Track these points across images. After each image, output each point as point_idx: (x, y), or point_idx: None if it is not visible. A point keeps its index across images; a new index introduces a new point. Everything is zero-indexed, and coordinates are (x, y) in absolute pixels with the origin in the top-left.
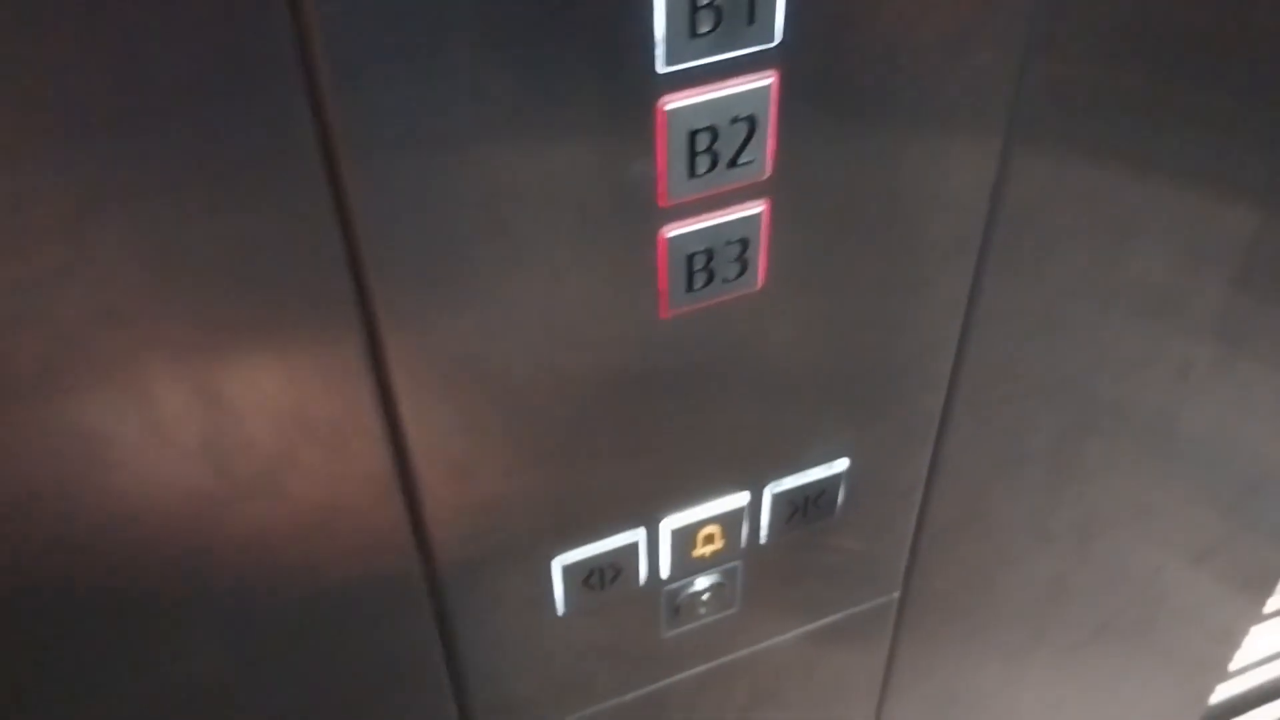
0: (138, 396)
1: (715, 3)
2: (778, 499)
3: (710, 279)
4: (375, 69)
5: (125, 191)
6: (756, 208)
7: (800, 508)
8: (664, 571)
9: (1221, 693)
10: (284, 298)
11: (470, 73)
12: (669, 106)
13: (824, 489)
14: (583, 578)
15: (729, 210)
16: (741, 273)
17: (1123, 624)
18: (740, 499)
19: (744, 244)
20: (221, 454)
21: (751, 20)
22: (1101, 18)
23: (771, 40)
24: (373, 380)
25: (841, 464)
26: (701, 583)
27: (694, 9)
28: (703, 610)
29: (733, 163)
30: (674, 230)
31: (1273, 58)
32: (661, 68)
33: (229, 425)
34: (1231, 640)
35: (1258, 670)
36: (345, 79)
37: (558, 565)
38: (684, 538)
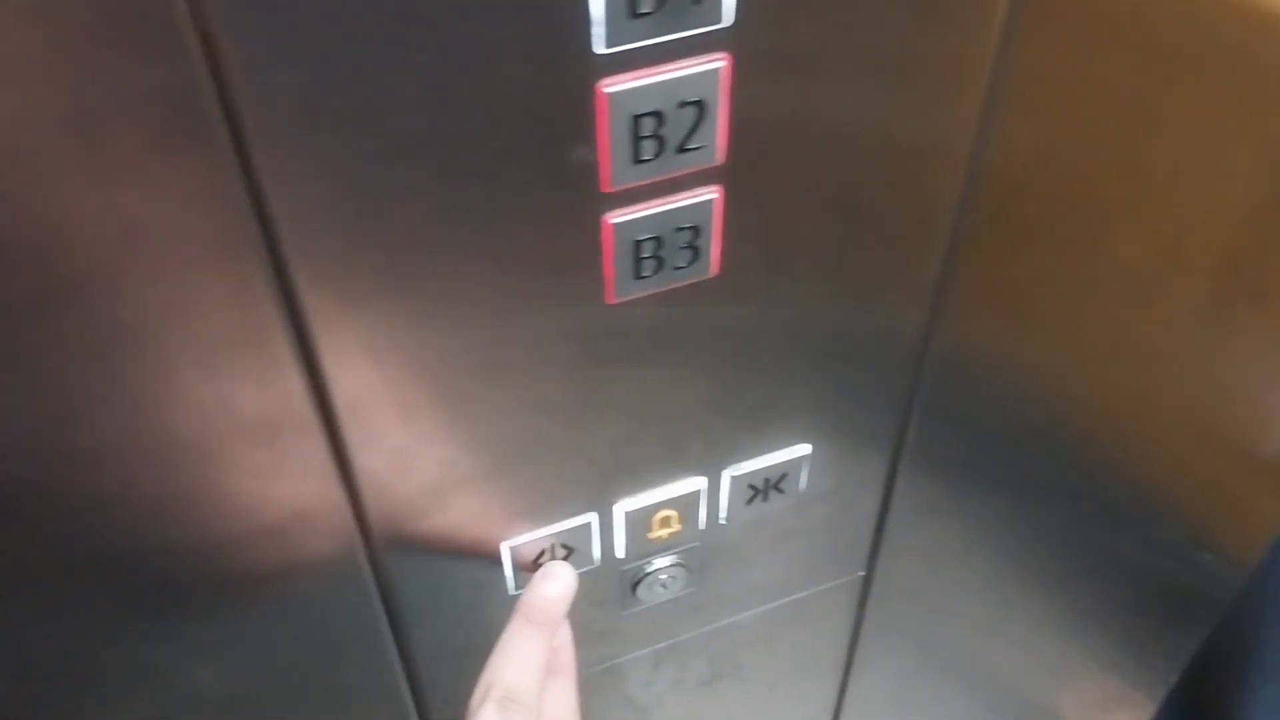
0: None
1: None
2: (736, 482)
3: (660, 266)
4: (282, 38)
5: None
6: (709, 194)
7: (761, 490)
8: (619, 552)
9: None
10: (204, 292)
11: (396, 51)
12: (609, 89)
13: (785, 472)
14: (532, 559)
15: (679, 197)
16: (694, 260)
17: (1089, 596)
18: (697, 483)
19: (695, 231)
20: (143, 454)
21: (697, 0)
22: None
23: (720, 21)
24: (302, 372)
25: (804, 448)
26: (659, 563)
27: None
28: (661, 589)
29: (681, 148)
30: (619, 217)
31: None
32: (600, 48)
33: (152, 422)
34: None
35: None
36: (250, 54)
37: (506, 548)
38: (638, 520)
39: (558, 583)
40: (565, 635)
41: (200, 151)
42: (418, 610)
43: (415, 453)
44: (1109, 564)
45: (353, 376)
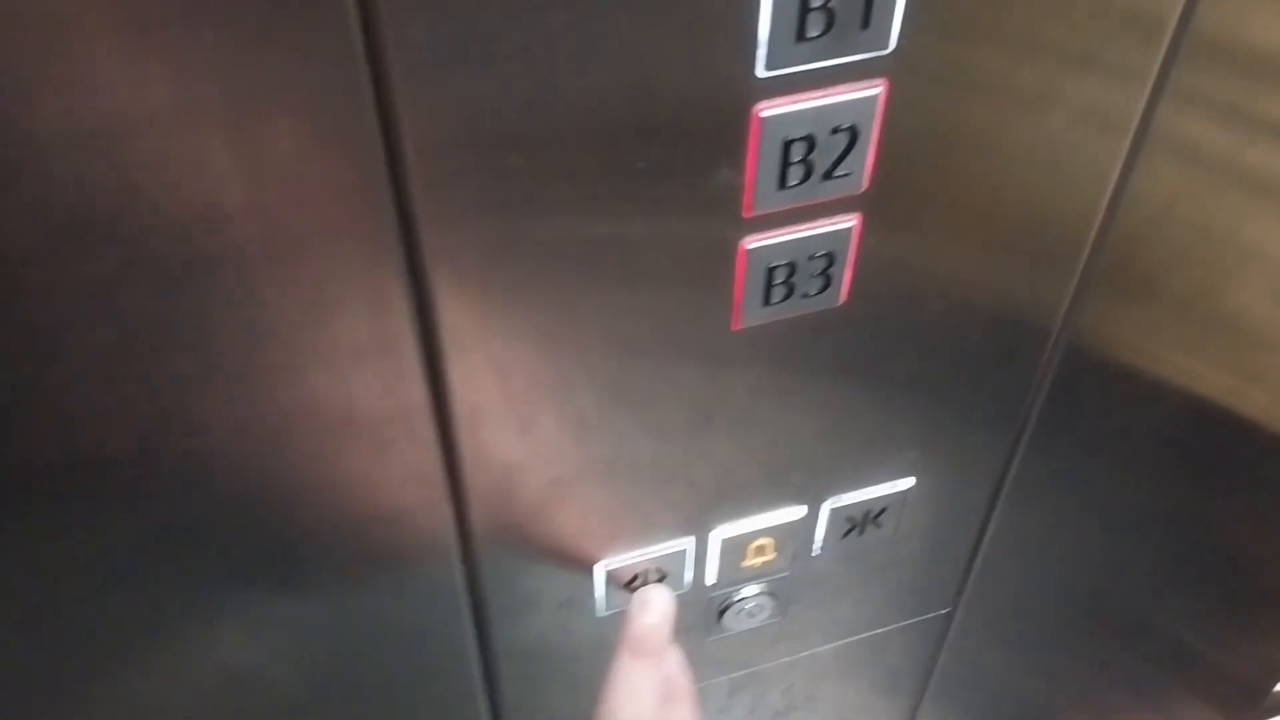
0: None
1: (829, 5)
2: (835, 514)
3: (789, 293)
4: (447, 47)
5: None
6: (848, 222)
7: (858, 524)
8: (709, 579)
9: None
10: (337, 290)
11: (559, 68)
12: (765, 113)
13: (885, 506)
14: (626, 581)
15: (817, 224)
16: (824, 288)
17: (1167, 648)
18: (796, 512)
19: (829, 259)
20: (257, 455)
21: (866, 25)
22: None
23: (885, 47)
24: (426, 382)
25: (906, 483)
26: (748, 591)
27: (804, 10)
28: (747, 618)
29: (828, 175)
30: (755, 242)
31: None
32: (761, 72)
33: (270, 421)
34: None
35: None
36: (413, 62)
37: (601, 569)
38: (734, 548)
39: (654, 609)
40: (678, 659)
41: (354, 155)
42: (506, 627)
43: (525, 469)
44: (1191, 617)
45: (475, 390)
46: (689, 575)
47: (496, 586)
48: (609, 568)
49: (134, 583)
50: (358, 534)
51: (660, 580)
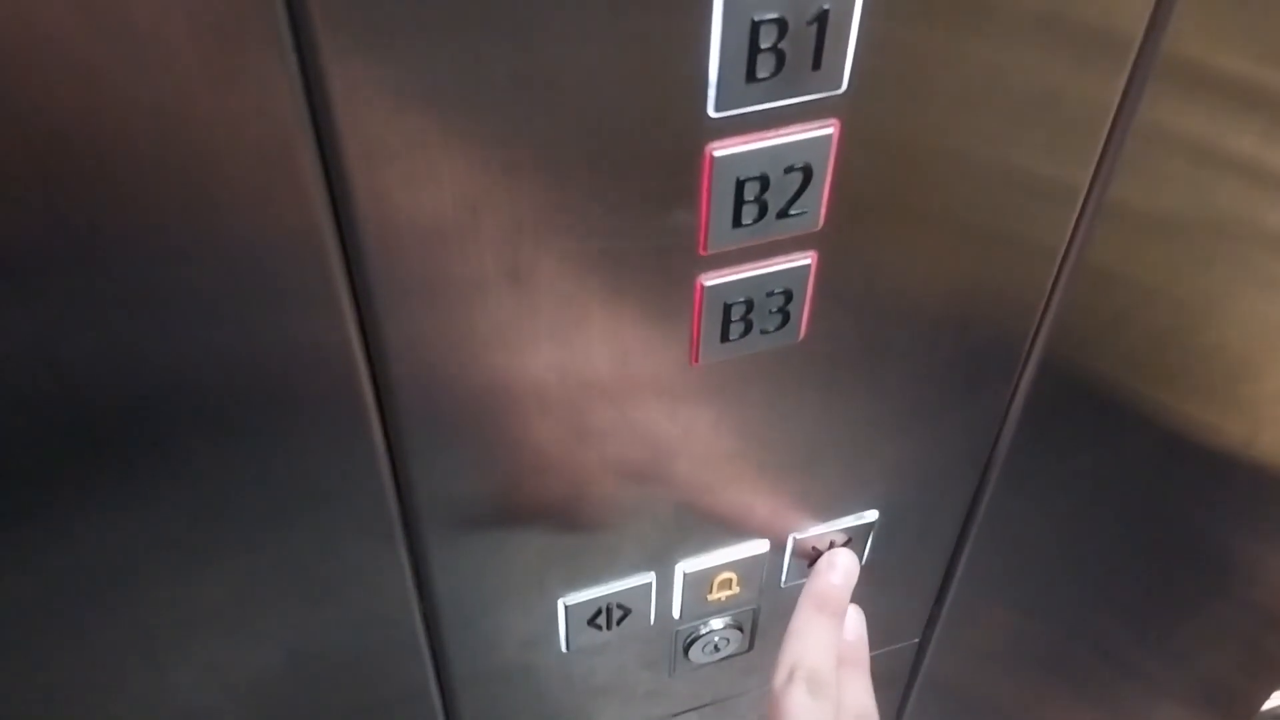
0: None
1: (779, 46)
2: (800, 546)
3: (748, 330)
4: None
5: None
6: (804, 260)
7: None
8: (675, 613)
9: None
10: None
11: (505, 104)
12: (718, 153)
13: (850, 538)
14: (588, 617)
15: (774, 261)
16: (783, 324)
17: (1141, 679)
18: (760, 546)
19: (787, 295)
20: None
21: (817, 66)
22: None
23: (837, 88)
24: (376, 419)
25: (871, 515)
26: (715, 624)
27: (754, 51)
28: (714, 651)
29: (783, 213)
30: (713, 279)
31: None
32: (713, 112)
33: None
34: None
35: None
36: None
37: (562, 605)
38: (698, 582)
39: (840, 571)
40: (860, 627)
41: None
42: (468, 669)
43: (480, 506)
44: (1170, 641)
45: (424, 421)
46: (653, 610)
47: (456, 629)
48: (569, 604)
49: (81, 620)
50: (315, 591)
51: (622, 618)
